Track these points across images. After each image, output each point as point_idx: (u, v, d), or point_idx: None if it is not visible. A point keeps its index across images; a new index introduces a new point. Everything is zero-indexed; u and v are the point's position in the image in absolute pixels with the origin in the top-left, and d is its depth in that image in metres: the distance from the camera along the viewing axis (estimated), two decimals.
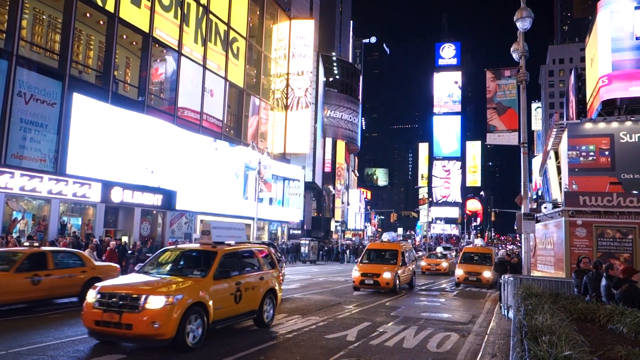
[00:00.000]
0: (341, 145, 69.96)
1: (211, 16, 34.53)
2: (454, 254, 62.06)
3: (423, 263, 32.18)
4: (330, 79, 67.08)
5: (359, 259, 21.06)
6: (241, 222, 38.61)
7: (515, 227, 16.80)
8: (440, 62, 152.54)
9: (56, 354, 8.03)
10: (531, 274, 14.59)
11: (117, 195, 25.39)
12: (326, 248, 49.42)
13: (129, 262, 21.78)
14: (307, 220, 57.71)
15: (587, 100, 35.22)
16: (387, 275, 18.10)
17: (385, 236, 22.18)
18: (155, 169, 28.15)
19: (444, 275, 30.36)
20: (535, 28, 15.06)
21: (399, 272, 18.79)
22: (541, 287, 10.03)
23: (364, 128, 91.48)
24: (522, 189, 15.66)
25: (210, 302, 8.65)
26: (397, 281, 18.41)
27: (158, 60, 30.36)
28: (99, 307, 8.07)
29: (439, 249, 39.18)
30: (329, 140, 66.64)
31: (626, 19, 28.08)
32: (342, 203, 73.05)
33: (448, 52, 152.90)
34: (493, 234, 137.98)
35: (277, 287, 11.23)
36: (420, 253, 72.43)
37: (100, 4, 25.25)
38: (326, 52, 65.58)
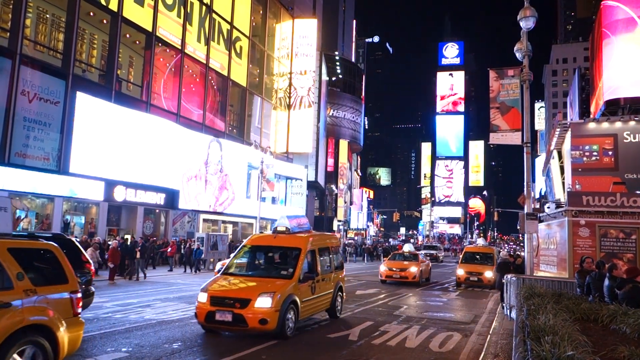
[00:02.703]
0: (344, 144, 69.95)
1: (214, 15, 34.55)
2: (441, 254, 52.76)
3: (383, 267, 22.75)
4: (333, 78, 67.05)
5: (224, 266, 11.58)
6: (244, 221, 38.86)
7: (518, 227, 16.73)
8: (443, 61, 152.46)
9: None
10: (534, 274, 14.58)
11: (120, 194, 25.44)
12: None
13: (132, 261, 21.83)
14: (310, 219, 57.70)
15: (590, 100, 35.15)
16: (263, 303, 9.12)
17: (283, 222, 11.73)
18: (157, 168, 28.16)
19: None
20: (539, 27, 15.03)
21: (298, 295, 9.90)
22: (544, 287, 10.02)
23: (366, 127, 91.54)
24: (525, 188, 15.64)
25: None
26: (291, 314, 9.59)
27: (161, 60, 30.39)
28: None
29: (406, 247, 27.51)
30: (331, 140, 66.64)
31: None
32: (345, 202, 73.03)
33: (451, 52, 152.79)
34: (496, 233, 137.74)
35: (59, 330, 5.89)
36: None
37: (103, 3, 25.30)
38: (329, 51, 65.56)
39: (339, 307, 12.35)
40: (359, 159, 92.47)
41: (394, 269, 22.31)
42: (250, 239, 11.91)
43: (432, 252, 48.61)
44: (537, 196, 54.32)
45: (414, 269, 22.16)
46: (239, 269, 11.19)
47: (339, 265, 13.13)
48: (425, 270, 24.02)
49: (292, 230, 11.54)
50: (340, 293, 12.45)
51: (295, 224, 11.78)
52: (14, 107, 20.58)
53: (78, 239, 21.13)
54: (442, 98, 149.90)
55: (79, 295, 6.53)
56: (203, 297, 9.61)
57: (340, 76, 68.49)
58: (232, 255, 11.68)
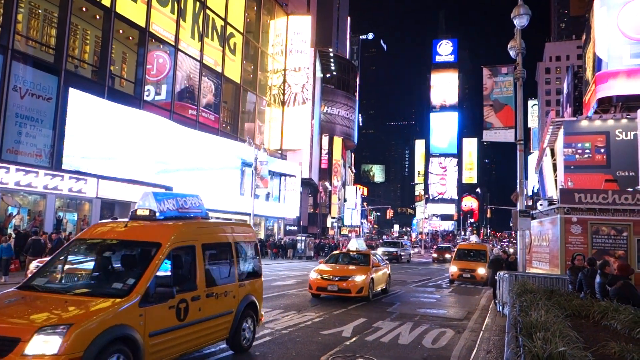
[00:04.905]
0: (338, 141, 70.02)
1: (208, 11, 34.40)
2: (406, 252, 42.62)
3: (314, 274, 15.26)
4: (327, 75, 67.05)
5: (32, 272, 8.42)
6: (238, 218, 38.79)
7: (511, 224, 16.79)
8: (437, 58, 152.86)
9: None
10: (526, 271, 14.67)
11: (113, 191, 25.33)
12: (321, 244, 49.29)
13: None
14: (304, 216, 57.74)
15: (583, 98, 35.34)
16: (43, 346, 4.98)
17: (146, 202, 7.36)
18: (150, 165, 28.06)
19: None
20: (532, 25, 15.07)
21: (138, 325, 5.82)
22: (536, 284, 10.09)
23: (360, 124, 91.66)
24: (518, 186, 15.70)
25: None
26: None
27: (154, 56, 30.23)
28: None
29: (353, 244, 17.96)
30: (325, 137, 66.66)
31: (622, 15, 28.14)
32: (339, 199, 73.18)
33: (445, 49, 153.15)
34: (489, 230, 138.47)
35: None
36: (415, 250, 72.13)
37: None
38: (323, 48, 65.49)
39: (247, 336, 8.23)
40: (352, 156, 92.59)
41: (331, 277, 14.95)
42: (89, 229, 7.55)
43: (391, 250, 39.30)
44: (530, 193, 54.63)
45: (360, 278, 14.88)
46: (50, 278, 6.78)
47: (252, 271, 8.82)
48: (380, 279, 16.66)
49: (162, 216, 7.20)
50: (251, 313, 8.37)
51: (171, 206, 7.44)
52: (6, 103, 20.42)
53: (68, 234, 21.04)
54: (436, 95, 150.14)
55: None
56: None
57: (335, 73, 68.51)
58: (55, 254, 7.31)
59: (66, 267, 7.02)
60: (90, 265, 7.10)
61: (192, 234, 7.26)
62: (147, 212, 7.16)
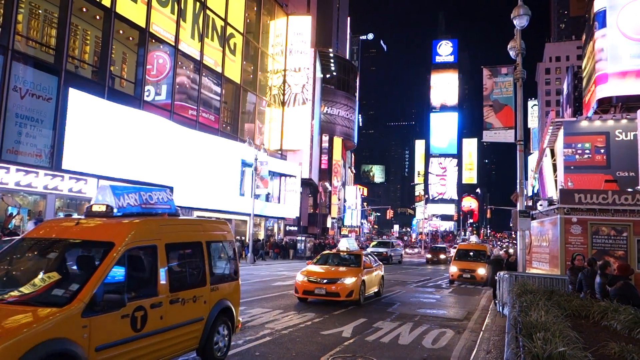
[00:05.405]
0: (338, 141, 70.01)
1: (208, 12, 34.41)
2: (397, 253, 40.58)
3: (301, 277, 14.34)
4: (327, 76, 67.07)
5: None
6: (238, 218, 38.87)
7: (511, 225, 16.78)
8: (437, 59, 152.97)
9: None
10: (526, 271, 14.68)
11: None
12: (321, 244, 49.32)
13: None
14: (304, 216, 57.75)
15: (583, 98, 35.34)
16: None
17: (104, 197, 6.50)
18: (150, 165, 28.07)
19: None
20: (532, 25, 15.07)
21: (82, 339, 5.01)
22: (536, 284, 10.10)
23: (360, 125, 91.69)
24: (518, 186, 15.71)
25: None
26: None
27: (154, 56, 30.24)
28: None
29: (343, 244, 16.94)
30: (325, 137, 66.68)
31: (622, 15, 28.17)
32: (339, 200, 73.19)
33: (445, 49, 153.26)
34: (489, 231, 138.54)
35: None
36: (415, 250, 72.21)
37: None
38: (323, 48, 65.52)
39: (220, 345, 7.49)
40: (352, 156, 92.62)
41: (319, 280, 14.03)
42: (38, 227, 6.70)
43: (381, 250, 36.97)
44: (530, 194, 54.61)
45: (350, 280, 13.99)
46: None
47: (227, 274, 8.12)
48: (373, 281, 15.74)
49: (121, 212, 6.44)
50: (226, 320, 7.63)
51: (133, 202, 6.66)
52: (6, 103, 20.41)
53: None
54: (436, 95, 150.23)
55: None
56: None
57: (335, 73, 68.53)
58: None
59: (5, 270, 6.13)
60: (33, 268, 6.12)
61: (154, 232, 6.40)
62: (103, 208, 6.35)
